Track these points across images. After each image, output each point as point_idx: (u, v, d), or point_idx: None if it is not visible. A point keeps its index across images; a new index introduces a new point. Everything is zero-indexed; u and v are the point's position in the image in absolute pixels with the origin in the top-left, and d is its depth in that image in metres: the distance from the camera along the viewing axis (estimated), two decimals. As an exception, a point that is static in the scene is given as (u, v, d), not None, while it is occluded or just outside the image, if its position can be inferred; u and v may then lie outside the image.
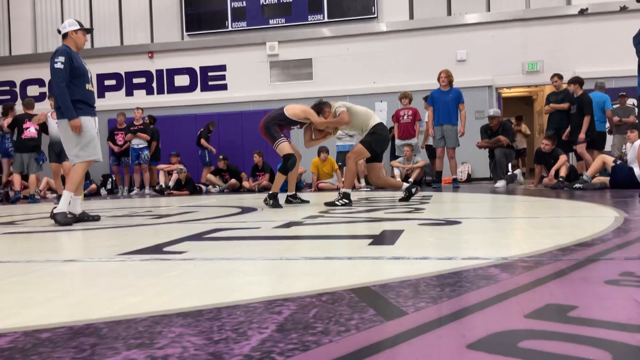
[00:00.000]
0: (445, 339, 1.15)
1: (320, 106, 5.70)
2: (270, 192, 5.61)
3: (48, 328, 1.33)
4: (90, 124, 4.59)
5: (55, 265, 2.35)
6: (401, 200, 5.56)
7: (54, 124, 7.84)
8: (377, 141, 5.45)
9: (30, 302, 1.66)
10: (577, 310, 1.33)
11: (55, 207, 4.49)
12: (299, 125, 5.94)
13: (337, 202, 5.27)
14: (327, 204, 5.39)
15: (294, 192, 6.06)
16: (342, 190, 5.39)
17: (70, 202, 4.53)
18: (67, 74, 4.45)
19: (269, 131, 5.64)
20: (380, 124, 5.50)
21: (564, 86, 9.03)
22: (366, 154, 5.48)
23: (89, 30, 4.87)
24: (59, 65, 4.43)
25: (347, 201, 5.27)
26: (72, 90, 4.48)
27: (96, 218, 4.69)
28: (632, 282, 1.64)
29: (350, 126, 5.67)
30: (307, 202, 6.04)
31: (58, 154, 8.09)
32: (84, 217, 4.62)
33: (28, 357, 1.12)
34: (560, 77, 9.14)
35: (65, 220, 4.35)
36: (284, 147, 5.61)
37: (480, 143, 9.56)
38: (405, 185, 5.64)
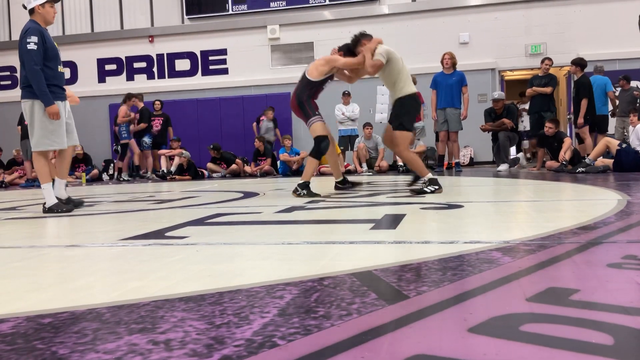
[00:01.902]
0: (446, 323, 1.15)
1: (356, 40, 4.96)
2: (301, 182, 4.81)
3: (50, 313, 1.33)
4: (60, 109, 4.30)
5: (58, 251, 2.36)
6: (411, 189, 4.76)
7: None
8: (407, 117, 4.74)
9: (33, 287, 1.67)
10: (579, 294, 1.33)
11: (45, 203, 4.32)
12: (329, 80, 5.14)
13: (426, 189, 4.49)
14: (413, 190, 4.61)
15: (342, 177, 5.34)
16: (424, 178, 4.58)
17: (54, 188, 4.38)
18: (41, 55, 4.16)
19: (302, 107, 4.90)
20: (414, 95, 4.81)
21: (566, 69, 8.97)
22: (409, 138, 4.86)
23: (56, 0, 4.42)
24: (32, 46, 4.11)
25: (437, 187, 4.50)
26: (45, 73, 4.18)
27: (79, 203, 4.56)
28: (634, 265, 1.63)
29: (383, 76, 4.88)
30: (360, 183, 5.54)
31: None
32: (69, 203, 4.45)
33: (30, 342, 1.12)
34: (551, 61, 9.10)
35: (65, 208, 4.26)
36: (316, 127, 4.86)
37: (484, 126, 9.52)
38: (429, 176, 4.63)
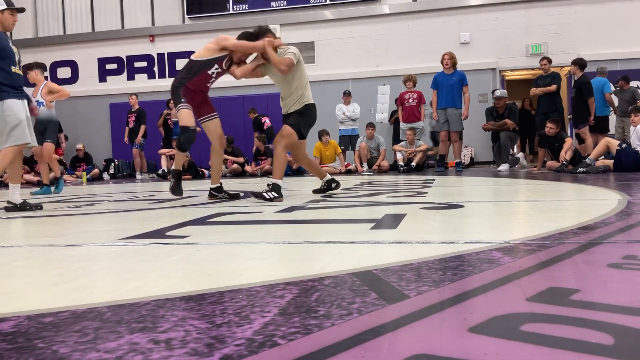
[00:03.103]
0: (447, 323, 1.15)
1: (261, 31, 4.66)
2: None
3: (51, 312, 1.33)
4: (17, 106, 4.28)
5: (58, 250, 2.36)
6: (316, 192, 4.91)
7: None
8: (307, 125, 4.61)
9: (33, 286, 1.67)
10: (579, 294, 1.33)
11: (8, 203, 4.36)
12: (220, 68, 4.52)
13: (265, 195, 4.33)
14: (255, 194, 4.53)
15: (218, 184, 4.74)
16: (273, 181, 4.41)
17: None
18: None
19: (173, 92, 4.48)
20: (314, 105, 4.68)
21: (567, 69, 8.97)
22: (295, 139, 4.55)
23: (19, 10, 4.49)
24: None
25: (276, 195, 4.32)
26: None
27: (39, 207, 4.49)
28: (635, 265, 1.63)
29: (281, 80, 4.59)
30: (238, 196, 4.90)
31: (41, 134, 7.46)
32: (25, 207, 4.40)
33: (31, 342, 1.12)
34: (549, 60, 9.09)
35: (28, 206, 4.33)
36: (181, 114, 4.41)
37: (486, 125, 9.53)
38: (328, 176, 4.90)
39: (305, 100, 4.57)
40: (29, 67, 6.89)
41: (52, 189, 6.80)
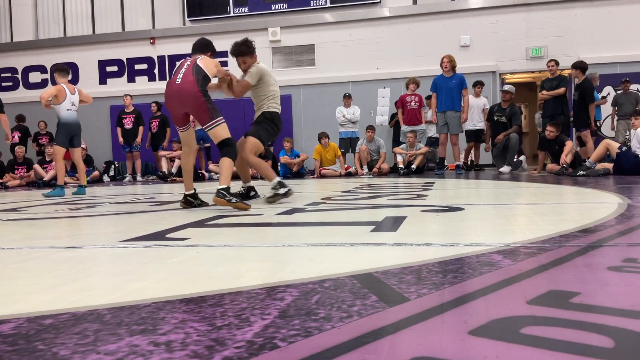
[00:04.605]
0: (447, 325, 1.15)
1: (246, 49, 4.72)
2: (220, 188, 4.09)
3: (51, 314, 1.33)
4: None
5: (59, 252, 2.36)
6: (268, 199, 4.49)
7: (64, 105, 6.96)
8: (266, 131, 4.74)
9: (34, 288, 1.67)
10: (579, 297, 1.33)
11: None
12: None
13: (277, 192, 4.44)
14: (268, 200, 4.46)
15: (192, 190, 4.47)
16: (272, 183, 4.50)
17: None
18: None
19: (210, 103, 4.19)
20: (279, 114, 4.84)
21: (567, 72, 8.98)
22: (261, 148, 4.75)
23: None
24: None
25: (287, 189, 4.46)
26: None
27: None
28: (635, 268, 1.63)
29: (250, 92, 4.82)
30: (206, 204, 4.50)
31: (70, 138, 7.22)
32: None
33: (31, 343, 1.12)
34: (557, 62, 9.02)
35: None
36: (223, 129, 4.26)
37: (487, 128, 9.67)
38: (277, 179, 4.53)
39: (265, 109, 4.79)
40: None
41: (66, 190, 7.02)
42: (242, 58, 4.75)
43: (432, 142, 10.15)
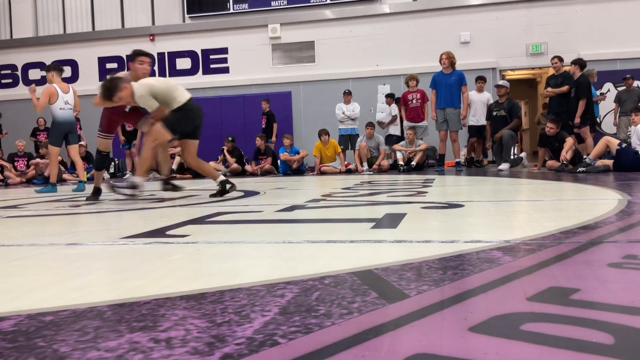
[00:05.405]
0: (447, 322, 1.15)
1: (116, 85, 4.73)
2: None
3: (51, 311, 1.33)
4: None
5: (59, 249, 2.36)
6: (213, 195, 4.87)
7: (57, 104, 7.05)
8: (182, 119, 4.68)
9: (34, 285, 1.67)
10: (579, 293, 1.33)
11: None
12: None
13: (121, 190, 4.79)
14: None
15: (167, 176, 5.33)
16: (132, 179, 4.77)
17: None
18: None
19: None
20: (190, 100, 4.76)
21: (567, 68, 8.94)
22: (166, 137, 4.70)
23: None
24: None
25: (133, 191, 4.75)
26: None
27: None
28: (635, 265, 1.63)
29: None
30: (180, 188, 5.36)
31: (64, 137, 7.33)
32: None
33: (32, 340, 1.12)
34: (560, 59, 8.95)
35: None
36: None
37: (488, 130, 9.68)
38: (221, 177, 4.89)
39: (178, 100, 4.71)
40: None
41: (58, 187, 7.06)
42: (116, 97, 4.65)
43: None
